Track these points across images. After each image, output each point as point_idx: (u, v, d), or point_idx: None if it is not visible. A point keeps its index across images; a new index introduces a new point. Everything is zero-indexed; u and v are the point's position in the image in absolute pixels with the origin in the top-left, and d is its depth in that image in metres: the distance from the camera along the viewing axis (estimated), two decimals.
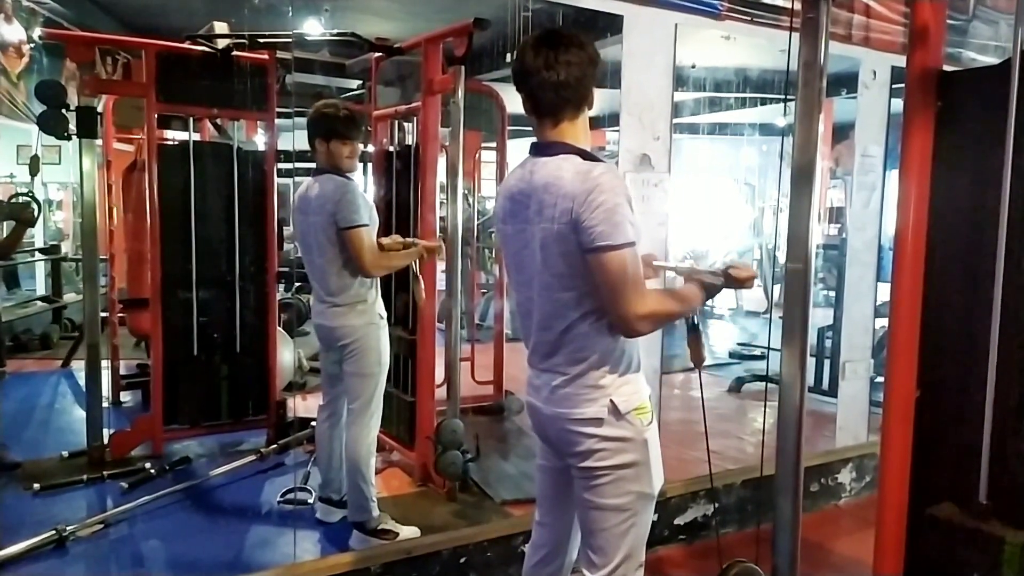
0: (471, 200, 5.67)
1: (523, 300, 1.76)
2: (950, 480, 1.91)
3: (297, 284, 6.20)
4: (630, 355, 1.70)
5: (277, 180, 4.11)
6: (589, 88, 1.69)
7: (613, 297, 1.58)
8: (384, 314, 2.96)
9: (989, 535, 1.61)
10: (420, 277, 3.03)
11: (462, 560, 2.73)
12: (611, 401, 1.65)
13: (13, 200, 3.67)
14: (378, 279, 2.96)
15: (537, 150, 1.71)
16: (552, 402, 1.71)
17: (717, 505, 3.28)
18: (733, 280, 1.76)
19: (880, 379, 3.29)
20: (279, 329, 4.23)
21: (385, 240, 2.96)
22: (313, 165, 2.94)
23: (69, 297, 6.60)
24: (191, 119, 3.93)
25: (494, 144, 5.03)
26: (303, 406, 4.46)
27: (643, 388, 1.72)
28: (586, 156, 1.64)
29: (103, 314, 4.31)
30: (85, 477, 3.44)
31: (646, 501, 1.72)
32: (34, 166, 4.55)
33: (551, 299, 1.67)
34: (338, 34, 4.26)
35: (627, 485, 1.68)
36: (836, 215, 8.87)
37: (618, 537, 1.70)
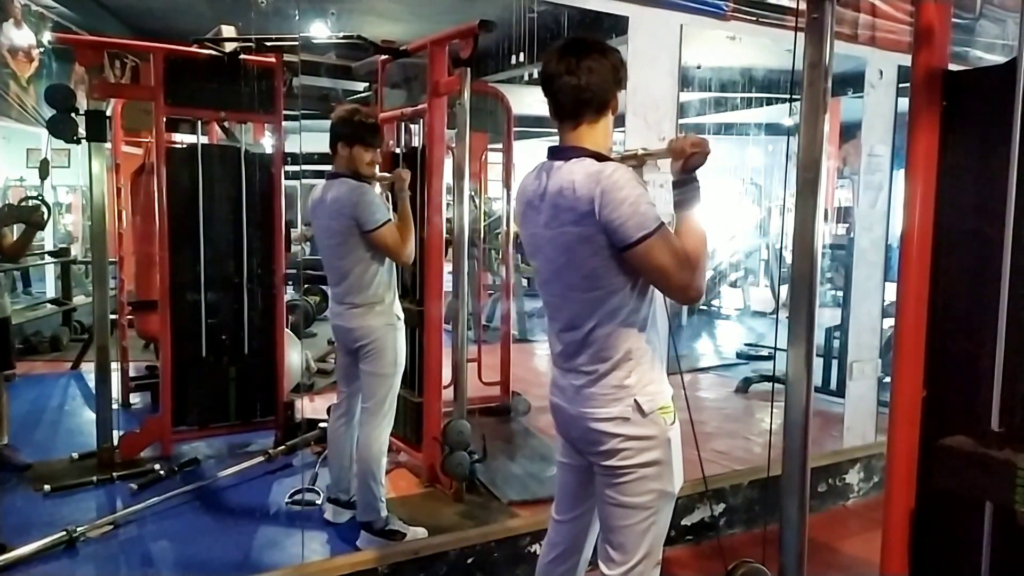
0: (477, 201, 5.68)
1: (547, 301, 1.79)
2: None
3: (305, 286, 6.23)
4: (654, 355, 1.71)
5: (284, 182, 4.12)
6: (610, 94, 1.72)
7: (665, 279, 1.60)
8: (401, 315, 2.98)
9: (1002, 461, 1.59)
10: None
11: (469, 560, 2.73)
12: (635, 401, 1.66)
13: (23, 203, 3.69)
14: (395, 281, 2.99)
15: (553, 154, 1.74)
16: (577, 401, 1.73)
17: (716, 507, 3.28)
18: (675, 153, 1.70)
19: (888, 379, 3.28)
20: (287, 330, 4.25)
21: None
22: (319, 168, 2.96)
23: (78, 299, 6.64)
24: (199, 122, 3.96)
25: (500, 145, 5.04)
26: (311, 407, 4.47)
27: (667, 388, 1.73)
28: (599, 158, 1.66)
29: (112, 316, 4.33)
30: (95, 478, 3.46)
31: (667, 500, 1.74)
32: (44, 169, 4.57)
33: (578, 300, 1.68)
34: (344, 37, 4.27)
35: (650, 483, 1.69)
36: (844, 215, 8.85)
37: (639, 535, 1.72)
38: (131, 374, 4.78)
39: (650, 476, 1.68)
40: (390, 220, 2.82)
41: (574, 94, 1.67)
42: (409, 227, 2.90)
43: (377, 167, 2.99)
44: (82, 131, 3.59)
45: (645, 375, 1.68)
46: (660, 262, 1.58)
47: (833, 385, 4.84)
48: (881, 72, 3.71)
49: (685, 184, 1.71)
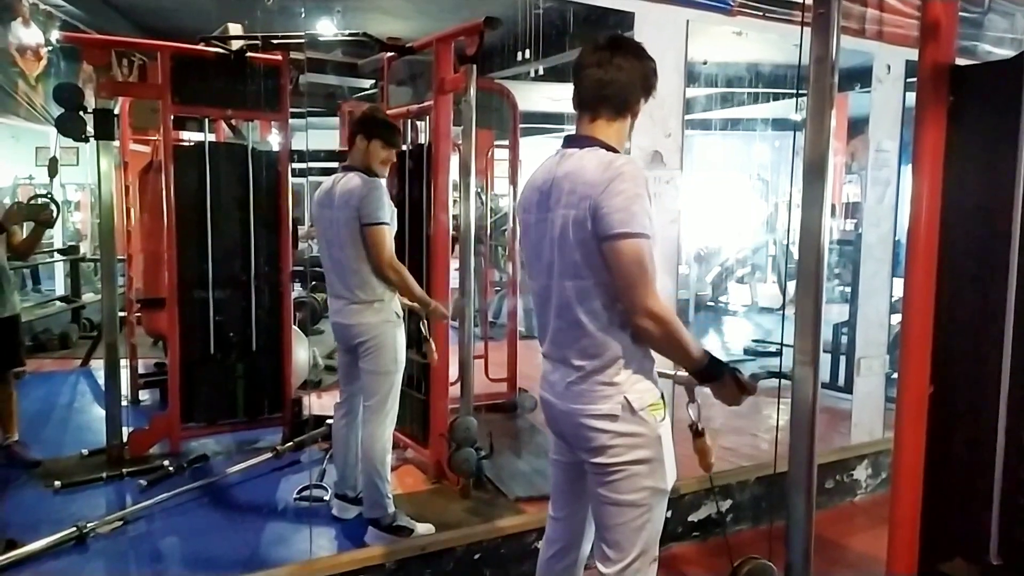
0: (484, 198, 5.68)
1: (541, 289, 1.77)
2: (964, 475, 1.90)
3: (312, 283, 6.24)
4: (644, 352, 1.71)
5: (291, 180, 4.14)
6: (634, 96, 1.73)
7: (625, 287, 1.59)
8: (400, 312, 2.97)
9: None
10: (431, 339, 3.08)
11: (476, 556, 2.74)
12: (625, 398, 1.66)
13: (32, 202, 3.72)
14: None
15: (567, 142, 1.75)
16: (567, 398, 1.73)
17: (729, 503, 3.27)
18: (733, 380, 1.70)
19: (896, 375, 3.28)
20: (294, 328, 4.26)
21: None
22: (326, 165, 2.97)
23: (87, 297, 6.68)
24: (206, 120, 3.97)
25: (506, 142, 5.04)
26: (318, 404, 4.49)
27: (656, 386, 1.72)
28: (610, 149, 1.67)
29: (121, 314, 4.36)
30: (104, 475, 3.49)
31: (660, 496, 1.73)
32: (52, 168, 4.60)
33: (566, 286, 1.68)
34: (350, 34, 4.29)
35: (642, 481, 1.69)
36: (852, 210, 8.80)
37: (633, 532, 1.71)
38: (140, 371, 4.81)
39: (642, 473, 1.68)
40: (389, 224, 2.82)
41: (597, 86, 1.69)
42: (408, 278, 2.89)
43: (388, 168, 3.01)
44: (90, 129, 3.61)
45: (635, 372, 1.68)
46: (626, 268, 1.57)
47: (841, 381, 4.82)
48: (888, 67, 3.69)
49: (718, 368, 1.71)
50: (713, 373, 1.69)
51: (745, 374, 1.73)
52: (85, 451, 3.79)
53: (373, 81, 5.83)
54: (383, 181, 2.91)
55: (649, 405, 1.68)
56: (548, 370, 1.80)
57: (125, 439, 3.72)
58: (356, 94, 6.18)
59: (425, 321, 3.08)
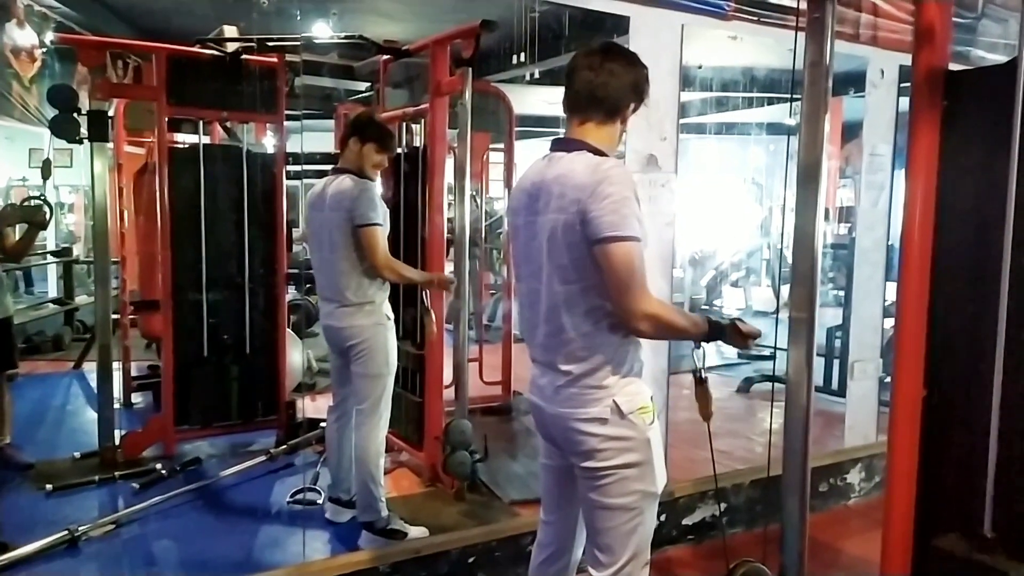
0: (479, 201, 5.68)
1: (529, 292, 1.77)
2: (958, 479, 1.91)
3: (307, 286, 6.24)
4: (633, 356, 1.71)
5: (286, 182, 4.13)
6: (624, 102, 1.73)
7: (618, 290, 1.59)
8: (391, 315, 2.97)
9: (994, 569, 1.61)
10: (432, 310, 3.08)
11: (471, 560, 2.74)
12: (614, 401, 1.66)
13: (25, 203, 3.70)
14: (386, 281, 2.98)
15: (555, 146, 1.75)
16: (556, 402, 1.72)
17: (724, 506, 3.28)
18: (736, 332, 1.73)
19: (889, 379, 3.28)
20: (288, 330, 4.26)
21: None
22: (321, 168, 2.97)
23: (81, 299, 6.65)
24: (201, 122, 3.96)
25: (502, 145, 5.04)
26: (312, 407, 4.47)
27: (645, 389, 1.73)
28: (599, 153, 1.67)
29: (115, 316, 4.34)
30: (97, 478, 3.47)
31: (651, 500, 1.73)
32: (46, 169, 4.59)
33: (555, 290, 1.68)
34: (346, 37, 4.29)
35: (632, 484, 1.69)
36: (846, 214, 8.83)
37: (625, 536, 1.71)
38: (133, 374, 4.79)
39: (631, 477, 1.68)
40: (382, 225, 2.83)
41: (588, 89, 1.70)
42: (405, 270, 2.95)
43: (379, 172, 3.01)
44: (84, 131, 3.60)
45: (624, 376, 1.68)
46: (617, 271, 1.58)
47: (835, 385, 4.84)
48: (883, 71, 3.70)
49: (720, 329, 1.74)
50: (716, 334, 1.72)
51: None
52: (78, 454, 3.77)
53: (369, 84, 5.83)
54: (375, 184, 2.92)
55: (638, 408, 1.68)
56: (536, 374, 1.79)
57: (118, 442, 3.70)
58: (352, 97, 6.18)
59: (426, 293, 3.11)
